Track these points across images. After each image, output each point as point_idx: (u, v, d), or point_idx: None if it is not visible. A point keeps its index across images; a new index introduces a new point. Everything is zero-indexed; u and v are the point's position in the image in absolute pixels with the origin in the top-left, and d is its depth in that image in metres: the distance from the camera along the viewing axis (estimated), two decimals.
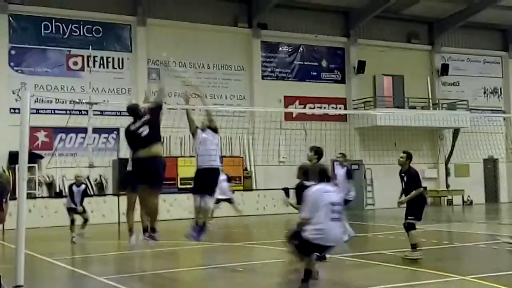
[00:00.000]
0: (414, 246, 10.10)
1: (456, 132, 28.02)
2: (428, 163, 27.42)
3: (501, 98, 30.57)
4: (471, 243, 12.92)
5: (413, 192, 10.19)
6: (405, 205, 10.41)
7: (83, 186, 14.58)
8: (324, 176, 7.58)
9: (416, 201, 10.27)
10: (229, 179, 17.79)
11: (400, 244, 11.79)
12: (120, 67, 23.29)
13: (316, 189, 7.32)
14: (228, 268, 10.43)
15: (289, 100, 25.70)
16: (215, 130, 10.36)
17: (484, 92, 30.23)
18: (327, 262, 9.29)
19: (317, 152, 9.60)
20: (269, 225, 18.98)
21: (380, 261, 10.20)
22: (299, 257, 7.32)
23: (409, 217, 10.28)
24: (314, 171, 7.93)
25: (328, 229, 7.11)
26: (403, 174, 10.44)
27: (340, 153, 13.42)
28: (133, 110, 8.84)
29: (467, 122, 27.02)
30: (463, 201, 28.24)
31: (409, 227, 10.15)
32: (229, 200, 17.66)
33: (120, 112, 22.93)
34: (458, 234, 15.75)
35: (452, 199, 28.18)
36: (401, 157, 10.48)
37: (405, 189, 10.38)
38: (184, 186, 22.16)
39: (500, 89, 30.61)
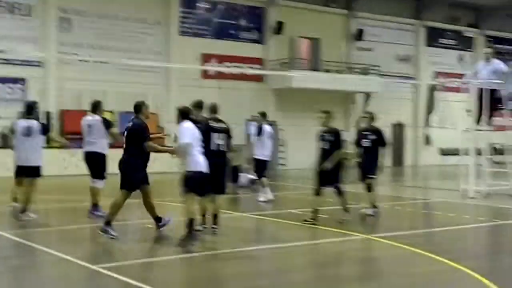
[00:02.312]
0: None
1: (367, 96, 28.81)
2: (340, 126, 28.08)
3: (412, 64, 31.62)
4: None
5: (338, 152, 9.83)
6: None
7: None
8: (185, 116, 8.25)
9: (340, 163, 10.03)
10: None
11: (308, 203, 12.08)
12: (28, 14, 22.08)
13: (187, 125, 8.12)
14: (139, 225, 10.35)
15: (206, 58, 25.40)
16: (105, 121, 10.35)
17: (396, 59, 31.15)
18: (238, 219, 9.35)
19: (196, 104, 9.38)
20: None
21: (288, 219, 10.42)
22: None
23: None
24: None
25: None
26: (325, 134, 9.93)
27: (258, 112, 13.60)
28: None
29: (379, 87, 27.84)
30: (381, 165, 29.21)
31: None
32: None
33: (27, 61, 21.89)
34: (364, 195, 16.30)
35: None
36: (322, 117, 10.07)
37: (329, 149, 9.82)
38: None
39: (411, 56, 31.63)
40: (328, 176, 9.83)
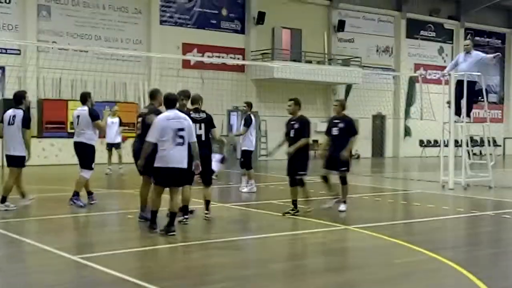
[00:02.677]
0: (295, 203, 9.86)
1: (348, 88, 28.92)
2: (321, 117, 28.18)
3: (392, 56, 31.77)
4: (356, 195, 13.50)
5: (303, 140, 9.73)
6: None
7: None
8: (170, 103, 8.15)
9: (304, 152, 9.96)
10: (121, 123, 17.27)
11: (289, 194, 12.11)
12: (7, 1, 21.76)
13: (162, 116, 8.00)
14: (120, 214, 10.30)
15: (187, 48, 25.27)
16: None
17: (377, 50, 31.28)
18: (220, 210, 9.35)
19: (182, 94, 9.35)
20: None
21: (270, 210, 10.44)
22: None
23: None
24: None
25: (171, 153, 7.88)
26: (293, 122, 9.90)
27: (245, 102, 13.54)
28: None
29: (359, 78, 27.94)
30: (351, 155, 29.40)
31: (301, 182, 9.94)
32: (118, 145, 17.23)
33: (6, 49, 21.57)
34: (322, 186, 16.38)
35: None
36: (289, 105, 9.96)
37: (295, 137, 9.80)
38: (74, 131, 21.42)
39: (392, 48, 31.78)
40: (292, 165, 9.82)
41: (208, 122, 9.06)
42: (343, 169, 10.31)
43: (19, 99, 10.08)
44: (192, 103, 9.21)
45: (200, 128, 8.91)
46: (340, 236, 8.54)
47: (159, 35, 24.47)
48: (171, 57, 22.87)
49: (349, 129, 10.32)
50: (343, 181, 10.43)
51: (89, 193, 10.77)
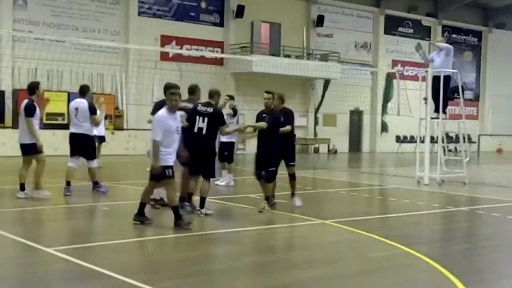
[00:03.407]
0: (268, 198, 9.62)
1: (326, 82, 29.01)
2: (299, 112, 28.25)
3: (370, 52, 31.94)
4: (332, 190, 13.58)
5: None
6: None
7: None
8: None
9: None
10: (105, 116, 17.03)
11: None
12: None
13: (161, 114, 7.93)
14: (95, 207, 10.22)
15: (165, 40, 25.11)
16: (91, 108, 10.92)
17: (355, 46, 31.42)
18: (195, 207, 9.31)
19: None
20: (138, 165, 18.68)
21: (247, 204, 10.44)
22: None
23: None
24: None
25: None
26: (264, 115, 9.61)
27: (228, 95, 13.41)
28: None
29: (338, 73, 28.04)
30: (329, 150, 29.57)
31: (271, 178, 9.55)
32: (104, 139, 16.98)
33: None
34: (321, 180, 16.49)
35: (318, 147, 29.43)
36: (268, 98, 9.62)
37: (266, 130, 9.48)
38: (50, 122, 21.18)
39: (370, 43, 31.94)
40: (261, 160, 9.63)
41: (214, 118, 8.97)
42: (292, 164, 10.05)
43: (32, 89, 10.36)
44: (208, 97, 9.28)
45: (203, 122, 8.91)
46: (315, 231, 8.57)
47: (137, 27, 24.26)
48: (149, 49, 22.73)
49: (286, 122, 9.80)
50: (293, 176, 10.13)
51: (68, 184, 10.77)
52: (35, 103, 10.21)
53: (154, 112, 8.74)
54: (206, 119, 8.92)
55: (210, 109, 9.02)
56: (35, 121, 10.18)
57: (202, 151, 8.84)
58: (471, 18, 35.92)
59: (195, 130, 8.87)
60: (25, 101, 10.27)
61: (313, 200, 11.59)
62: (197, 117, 8.85)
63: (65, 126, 15.42)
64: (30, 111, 10.08)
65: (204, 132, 8.89)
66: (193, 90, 9.71)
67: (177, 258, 6.67)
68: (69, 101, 22.16)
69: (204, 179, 9.09)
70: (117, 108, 23.89)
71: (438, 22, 34.25)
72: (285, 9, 28.18)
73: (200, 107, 9.03)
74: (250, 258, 6.71)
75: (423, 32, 33.97)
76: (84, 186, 11.50)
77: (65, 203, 10.15)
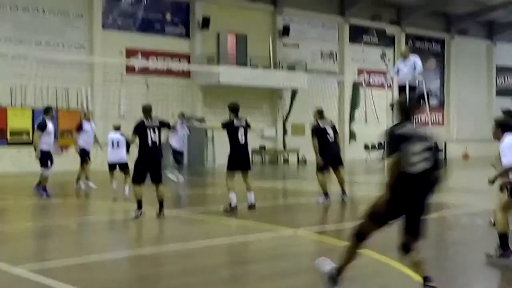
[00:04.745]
0: None
1: (294, 92, 29.11)
2: (267, 122, 28.29)
3: (336, 61, 32.20)
4: (303, 198, 13.57)
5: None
6: None
7: None
8: None
9: None
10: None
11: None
12: None
13: None
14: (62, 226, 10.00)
15: (131, 53, 24.90)
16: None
17: (321, 55, 31.64)
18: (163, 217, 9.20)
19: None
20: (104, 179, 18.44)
21: (216, 215, 10.34)
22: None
23: None
24: None
25: None
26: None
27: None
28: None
29: (305, 83, 28.18)
30: (298, 160, 29.62)
31: None
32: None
33: None
34: (291, 190, 16.48)
35: (288, 158, 29.44)
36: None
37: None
38: (14, 140, 20.79)
39: (336, 53, 32.21)
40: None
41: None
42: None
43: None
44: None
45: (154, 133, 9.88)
46: (288, 240, 8.51)
47: (102, 40, 24.01)
48: (115, 62, 22.50)
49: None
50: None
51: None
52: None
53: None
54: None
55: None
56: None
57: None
58: (433, 26, 36.54)
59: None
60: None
61: (284, 210, 11.55)
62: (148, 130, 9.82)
63: (30, 143, 15.08)
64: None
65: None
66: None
67: (148, 273, 6.53)
68: (33, 118, 21.95)
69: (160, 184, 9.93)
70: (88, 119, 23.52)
71: (401, 31, 34.75)
72: (251, 20, 28.25)
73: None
74: (223, 271, 6.62)
75: (388, 41, 34.40)
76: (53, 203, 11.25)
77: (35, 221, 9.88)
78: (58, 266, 6.77)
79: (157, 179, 9.84)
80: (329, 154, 12.04)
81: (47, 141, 12.54)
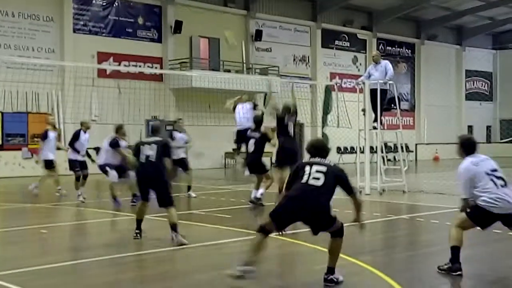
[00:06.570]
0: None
1: (266, 96, 29.15)
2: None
3: (309, 65, 32.38)
4: (273, 203, 13.57)
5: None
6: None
7: None
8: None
9: None
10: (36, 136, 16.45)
11: (210, 203, 12.03)
12: None
13: None
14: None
15: (102, 57, 24.69)
16: None
17: (294, 60, 31.80)
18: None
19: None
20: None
21: (192, 220, 10.30)
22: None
23: None
24: None
25: None
26: None
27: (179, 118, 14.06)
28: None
29: (278, 87, 28.23)
30: (271, 163, 29.64)
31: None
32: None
33: None
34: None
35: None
36: None
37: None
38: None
39: (308, 57, 32.40)
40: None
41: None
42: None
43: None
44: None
45: (150, 149, 8.51)
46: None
47: (73, 44, 23.76)
48: (86, 66, 22.27)
49: None
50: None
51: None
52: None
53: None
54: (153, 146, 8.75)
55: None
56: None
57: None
58: (404, 31, 37.03)
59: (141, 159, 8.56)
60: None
61: (259, 214, 11.55)
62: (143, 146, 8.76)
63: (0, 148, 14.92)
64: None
65: (152, 159, 8.50)
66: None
67: (125, 278, 6.47)
68: (3, 121, 21.59)
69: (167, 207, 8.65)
70: (55, 127, 23.22)
71: (373, 35, 35.12)
72: (223, 24, 28.18)
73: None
74: (198, 275, 6.60)
75: (359, 45, 34.75)
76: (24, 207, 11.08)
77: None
78: (28, 271, 6.67)
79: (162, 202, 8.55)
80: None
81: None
